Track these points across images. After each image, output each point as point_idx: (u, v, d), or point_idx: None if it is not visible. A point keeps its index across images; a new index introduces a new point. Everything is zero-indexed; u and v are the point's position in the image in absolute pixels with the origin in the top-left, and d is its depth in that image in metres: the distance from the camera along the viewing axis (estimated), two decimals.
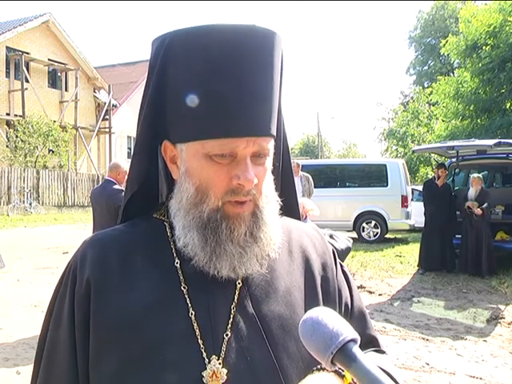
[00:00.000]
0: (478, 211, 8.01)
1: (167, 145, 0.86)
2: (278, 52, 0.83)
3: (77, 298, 0.83)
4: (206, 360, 0.78)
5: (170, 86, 0.83)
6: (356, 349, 0.66)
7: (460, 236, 8.39)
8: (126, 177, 0.98)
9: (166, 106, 0.85)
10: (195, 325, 0.80)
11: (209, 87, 0.78)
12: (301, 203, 4.48)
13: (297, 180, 9.19)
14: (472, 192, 8.20)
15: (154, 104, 0.86)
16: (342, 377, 0.73)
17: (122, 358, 0.78)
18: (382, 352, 0.96)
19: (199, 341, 0.79)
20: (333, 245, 4.28)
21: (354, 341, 0.67)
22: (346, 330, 0.67)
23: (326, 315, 0.69)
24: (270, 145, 0.84)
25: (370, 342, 0.96)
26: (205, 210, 0.81)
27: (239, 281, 0.85)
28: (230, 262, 0.81)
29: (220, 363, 0.78)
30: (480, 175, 9.12)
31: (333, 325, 0.67)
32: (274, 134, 0.84)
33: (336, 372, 0.74)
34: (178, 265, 0.84)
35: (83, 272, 0.83)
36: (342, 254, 4.37)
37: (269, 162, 0.85)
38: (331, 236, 4.44)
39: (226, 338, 0.80)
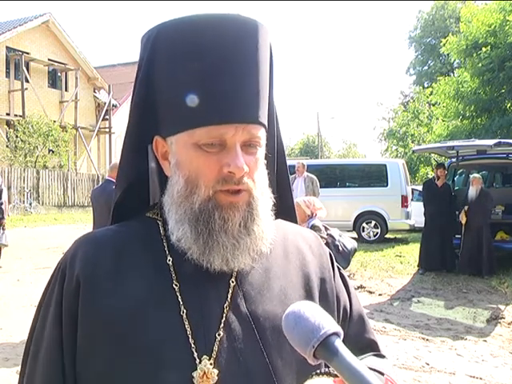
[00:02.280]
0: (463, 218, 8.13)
1: (158, 140, 0.85)
2: (264, 42, 0.82)
3: (65, 296, 0.80)
4: (197, 360, 0.76)
5: (157, 80, 0.83)
6: (338, 342, 0.64)
7: (460, 236, 8.40)
8: (116, 177, 0.96)
9: (155, 102, 0.84)
10: (186, 323, 0.77)
11: (196, 78, 0.77)
12: (311, 201, 4.47)
13: (300, 180, 9.14)
14: (472, 192, 8.19)
15: (141, 101, 0.86)
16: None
17: (110, 357, 0.76)
18: (382, 356, 0.94)
19: (190, 340, 0.76)
20: (343, 244, 4.28)
21: (336, 334, 0.65)
22: (328, 324, 0.65)
23: (308, 309, 0.68)
24: (261, 134, 0.82)
25: (368, 346, 0.94)
26: (196, 202, 0.79)
27: (233, 279, 0.82)
28: (223, 253, 0.78)
29: (211, 363, 0.76)
30: (480, 175, 9.11)
31: (315, 318, 0.66)
32: (264, 122, 0.83)
33: (336, 376, 0.73)
34: (170, 262, 0.82)
35: (72, 270, 0.81)
36: (350, 254, 4.38)
37: (260, 152, 0.83)
38: (340, 236, 4.44)
39: (218, 338, 0.77)
